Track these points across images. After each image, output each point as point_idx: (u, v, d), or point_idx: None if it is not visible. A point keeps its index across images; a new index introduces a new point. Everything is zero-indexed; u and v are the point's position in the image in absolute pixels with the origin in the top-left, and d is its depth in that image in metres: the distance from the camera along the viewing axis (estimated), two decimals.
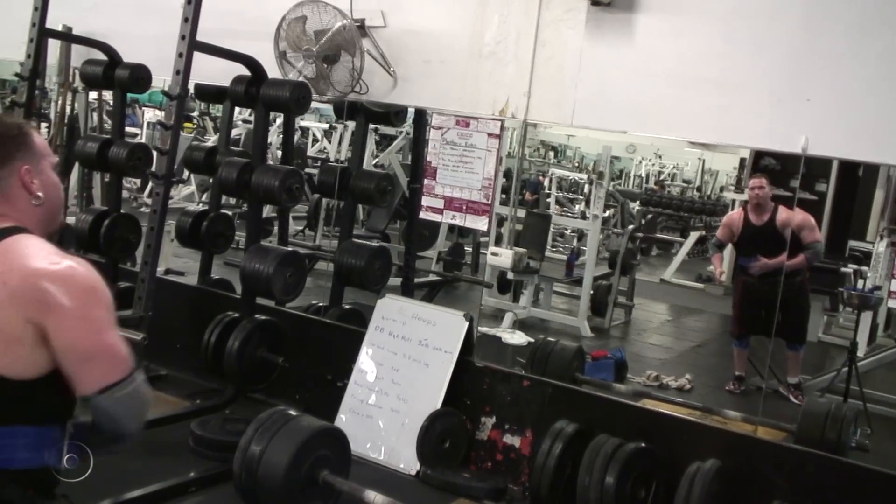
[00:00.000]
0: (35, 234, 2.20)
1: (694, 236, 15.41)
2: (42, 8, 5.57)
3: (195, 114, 16.68)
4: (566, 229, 14.78)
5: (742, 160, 13.72)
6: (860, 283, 9.77)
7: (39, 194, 2.21)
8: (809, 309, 7.63)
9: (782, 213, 7.20)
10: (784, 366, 7.35)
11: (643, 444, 4.15)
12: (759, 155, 12.48)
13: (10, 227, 2.15)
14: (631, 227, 12.77)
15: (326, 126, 15.76)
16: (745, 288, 7.37)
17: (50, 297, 2.02)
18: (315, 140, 16.36)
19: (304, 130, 15.87)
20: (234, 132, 10.27)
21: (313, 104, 5.44)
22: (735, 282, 7.93)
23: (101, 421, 2.15)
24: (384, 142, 14.16)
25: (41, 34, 5.66)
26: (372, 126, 8.87)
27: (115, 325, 2.15)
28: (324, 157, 14.77)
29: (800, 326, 7.30)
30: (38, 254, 2.08)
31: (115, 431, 2.19)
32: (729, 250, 8.58)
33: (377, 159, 12.95)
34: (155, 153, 5.06)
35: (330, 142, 15.32)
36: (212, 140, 13.43)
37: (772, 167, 12.50)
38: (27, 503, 2.11)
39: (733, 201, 12.91)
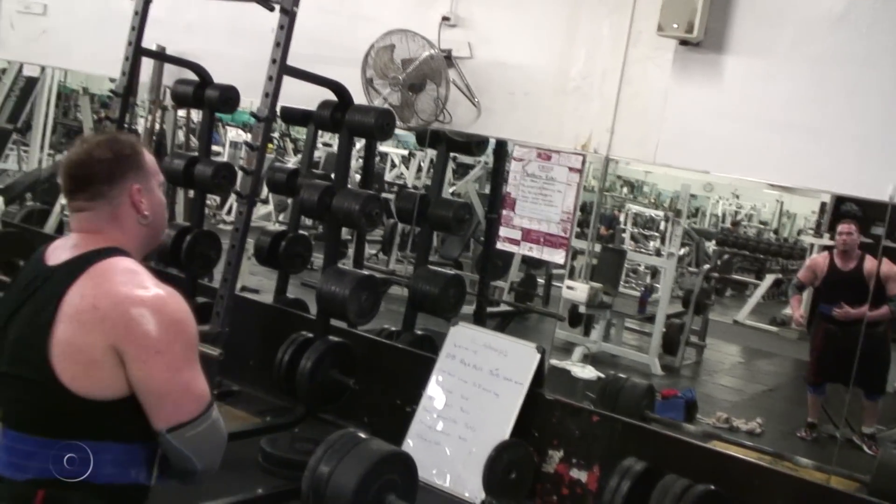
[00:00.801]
0: (135, 254, 2.20)
1: (770, 279, 15.18)
2: (139, 28, 5.72)
3: (276, 135, 16.92)
4: (640, 265, 14.67)
5: (823, 204, 13.51)
6: None
7: (147, 213, 2.21)
8: (890, 359, 7.46)
9: (869, 262, 7.05)
10: (859, 415, 7.19)
11: (712, 487, 4.09)
12: (840, 200, 12.25)
13: (107, 249, 2.14)
14: (706, 266, 12.63)
15: (405, 152, 15.89)
16: (824, 335, 7.21)
17: (134, 324, 2.01)
18: (393, 165, 16.50)
19: (383, 156, 16.00)
20: (314, 154, 10.40)
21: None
22: (814, 328, 7.75)
23: (170, 457, 2.11)
24: (461, 170, 14.21)
25: (137, 53, 5.81)
26: (450, 154, 8.94)
27: (196, 360, 2.11)
28: (401, 182, 14.89)
29: (880, 377, 7.15)
30: (131, 279, 2.07)
31: (184, 469, 2.14)
32: (806, 296, 8.42)
33: (454, 188, 13.00)
34: (239, 172, 5.16)
35: (408, 168, 15.45)
36: (292, 161, 13.64)
37: (853, 213, 12.27)
38: None
39: (812, 245, 12.70)
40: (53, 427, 2.03)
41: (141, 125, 7.56)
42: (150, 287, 2.06)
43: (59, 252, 2.17)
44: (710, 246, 17.27)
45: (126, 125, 6.26)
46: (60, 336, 2.00)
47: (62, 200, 9.34)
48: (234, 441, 4.53)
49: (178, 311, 2.07)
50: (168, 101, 6.96)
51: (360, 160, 9.57)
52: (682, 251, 14.15)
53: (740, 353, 11.63)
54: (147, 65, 6.47)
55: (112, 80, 6.00)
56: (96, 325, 2.00)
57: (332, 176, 5.89)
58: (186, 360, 2.07)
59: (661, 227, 17.01)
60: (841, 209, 12.47)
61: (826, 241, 12.11)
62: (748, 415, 7.66)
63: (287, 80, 4.86)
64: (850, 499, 4.26)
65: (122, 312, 2.00)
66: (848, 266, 7.12)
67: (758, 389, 9.38)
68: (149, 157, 2.27)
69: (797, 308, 7.92)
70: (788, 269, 16.72)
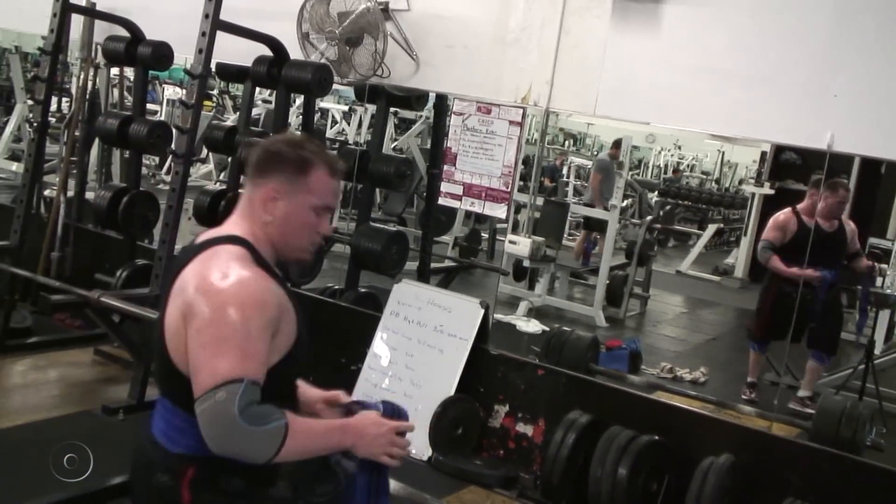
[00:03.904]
0: (264, 248, 2.21)
1: (712, 228, 15.33)
2: None
3: (215, 92, 16.64)
4: (583, 218, 14.72)
5: (763, 153, 13.61)
6: (879, 280, 9.64)
7: (268, 215, 2.20)
8: (843, 318, 7.31)
9: (848, 224, 6.81)
10: (802, 374, 6.99)
11: (656, 437, 4.13)
12: (779, 149, 12.36)
13: (229, 236, 2.19)
14: (649, 217, 12.71)
15: (346, 108, 15.71)
16: (779, 294, 6.79)
17: (194, 303, 2.05)
18: (334, 122, 16.32)
19: (324, 112, 15.81)
20: (253, 112, 10.25)
21: (334, 86, 5.43)
22: (766, 285, 7.35)
23: None
24: (403, 125, 14.11)
25: (65, 9, 5.66)
26: (391, 109, 8.84)
27: (233, 347, 2.01)
28: (342, 139, 14.73)
29: (834, 337, 6.91)
30: (217, 265, 2.09)
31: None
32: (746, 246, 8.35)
33: (396, 143, 12.90)
34: (175, 131, 5.05)
35: (349, 124, 15.29)
36: (231, 119, 13.44)
37: (792, 161, 12.42)
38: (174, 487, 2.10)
39: (753, 195, 12.81)
40: (190, 403, 2.03)
41: (74, 84, 7.36)
42: (225, 273, 2.07)
43: (206, 233, 2.28)
44: (653, 197, 17.39)
45: (59, 84, 6.10)
46: (168, 312, 2.12)
47: None
48: None
49: (229, 298, 2.04)
50: (100, 59, 6.79)
51: (300, 117, 9.45)
52: (625, 203, 14.24)
53: (683, 303, 11.76)
54: (77, 21, 6.30)
55: (44, 38, 5.82)
56: (179, 301, 2.09)
57: (272, 134, 5.80)
58: (216, 343, 2.01)
59: None
60: (780, 158, 12.61)
61: (766, 189, 12.24)
62: (692, 364, 7.74)
63: (222, 36, 4.76)
64: (790, 445, 4.33)
65: (193, 290, 2.07)
66: (833, 226, 6.78)
67: (701, 339, 9.50)
68: (319, 179, 2.23)
69: (785, 266, 6.70)
70: (730, 218, 16.92)
